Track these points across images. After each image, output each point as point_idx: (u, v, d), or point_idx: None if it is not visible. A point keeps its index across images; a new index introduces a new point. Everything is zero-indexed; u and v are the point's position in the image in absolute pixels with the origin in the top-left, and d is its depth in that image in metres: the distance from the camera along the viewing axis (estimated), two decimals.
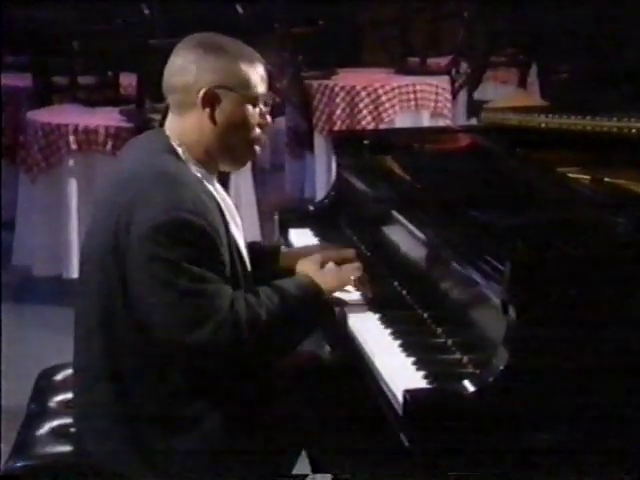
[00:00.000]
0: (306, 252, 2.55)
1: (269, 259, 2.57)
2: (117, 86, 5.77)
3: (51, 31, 5.91)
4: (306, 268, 2.38)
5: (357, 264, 2.43)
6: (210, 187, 2.24)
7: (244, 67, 2.22)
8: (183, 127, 2.23)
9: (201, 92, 2.19)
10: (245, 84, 2.22)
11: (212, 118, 2.21)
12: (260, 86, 2.25)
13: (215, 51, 2.21)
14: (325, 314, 2.31)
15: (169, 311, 2.06)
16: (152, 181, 2.12)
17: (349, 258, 2.49)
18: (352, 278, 2.40)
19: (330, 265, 2.40)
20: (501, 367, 1.87)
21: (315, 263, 2.41)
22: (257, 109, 2.26)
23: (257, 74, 2.25)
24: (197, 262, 2.07)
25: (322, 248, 2.61)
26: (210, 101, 2.20)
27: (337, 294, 2.37)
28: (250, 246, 2.43)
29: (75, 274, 4.31)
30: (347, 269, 2.40)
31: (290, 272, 2.46)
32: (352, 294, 2.45)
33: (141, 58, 4.95)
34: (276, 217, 3.16)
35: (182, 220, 2.06)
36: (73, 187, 4.74)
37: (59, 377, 2.58)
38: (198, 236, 2.08)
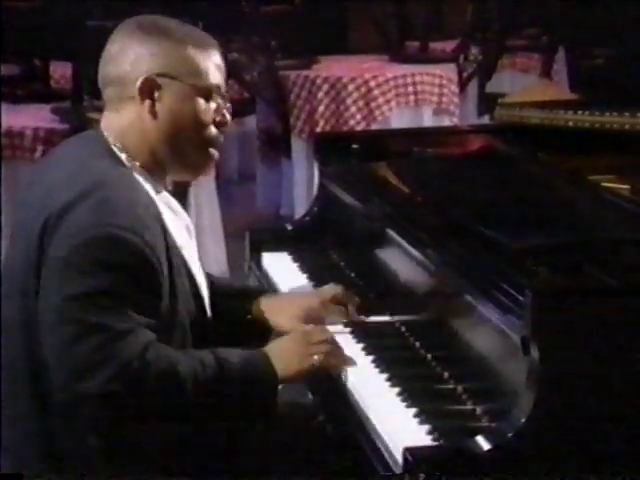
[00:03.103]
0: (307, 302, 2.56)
1: (242, 305, 2.56)
2: (47, 78, 5.80)
3: None
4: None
5: (324, 335, 2.33)
6: (159, 201, 2.26)
7: (192, 52, 2.25)
8: (121, 125, 2.27)
9: (138, 81, 2.23)
10: (193, 72, 2.26)
11: (152, 111, 2.24)
12: (214, 75, 2.29)
13: (156, 34, 2.25)
14: (266, 405, 2.20)
15: (62, 351, 2.04)
16: (83, 191, 2.13)
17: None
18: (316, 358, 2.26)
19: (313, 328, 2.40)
20: (523, 419, 1.89)
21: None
22: (212, 104, 2.30)
23: (210, 61, 2.28)
24: (117, 292, 2.06)
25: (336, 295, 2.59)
26: (150, 92, 2.23)
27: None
28: (215, 287, 2.45)
29: None
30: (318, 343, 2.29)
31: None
32: (336, 326, 2.49)
33: (76, 43, 4.97)
34: (246, 238, 3.19)
35: (109, 237, 2.07)
36: None
37: None
38: (128, 258, 2.08)
